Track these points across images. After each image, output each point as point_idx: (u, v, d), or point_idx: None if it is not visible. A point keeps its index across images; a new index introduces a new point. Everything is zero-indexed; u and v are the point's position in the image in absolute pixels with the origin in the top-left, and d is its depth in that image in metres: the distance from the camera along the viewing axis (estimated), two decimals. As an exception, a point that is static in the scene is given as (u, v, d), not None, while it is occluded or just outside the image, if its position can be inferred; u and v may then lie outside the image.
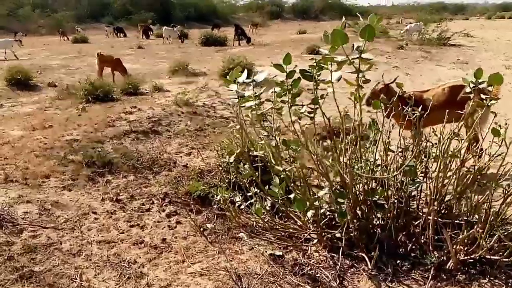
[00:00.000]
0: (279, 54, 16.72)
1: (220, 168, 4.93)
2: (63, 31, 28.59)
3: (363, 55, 2.89)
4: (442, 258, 2.92)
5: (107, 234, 3.64)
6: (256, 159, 3.63)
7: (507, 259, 2.74)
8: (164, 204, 4.28)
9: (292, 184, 3.35)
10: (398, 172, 3.05)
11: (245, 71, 3.38)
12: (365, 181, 3.11)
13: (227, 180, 4.50)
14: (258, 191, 3.36)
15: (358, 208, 3.18)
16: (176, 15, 43.01)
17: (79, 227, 3.71)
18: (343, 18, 3.04)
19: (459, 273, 2.87)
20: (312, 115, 3.21)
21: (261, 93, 3.35)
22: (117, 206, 4.20)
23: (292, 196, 3.26)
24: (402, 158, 3.23)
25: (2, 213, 3.67)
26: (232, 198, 3.56)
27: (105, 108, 7.36)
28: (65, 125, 6.26)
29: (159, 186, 4.71)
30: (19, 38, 20.52)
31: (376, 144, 3.23)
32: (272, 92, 3.51)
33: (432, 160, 3.17)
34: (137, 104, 7.56)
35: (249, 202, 3.45)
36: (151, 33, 29.06)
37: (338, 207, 3.15)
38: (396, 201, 3.07)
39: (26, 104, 8.33)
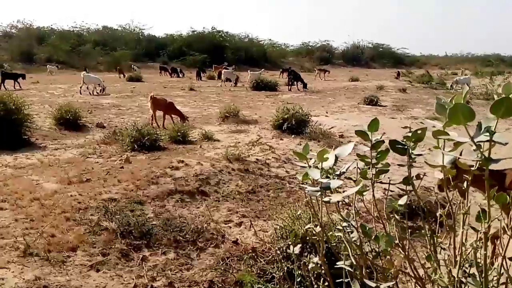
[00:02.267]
0: (333, 103, 15.93)
1: (278, 252, 4.01)
2: (120, 68, 29.48)
3: (495, 137, 1.92)
4: None
5: None
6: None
7: None
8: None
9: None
10: None
11: (333, 155, 2.45)
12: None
13: (285, 268, 3.57)
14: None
15: None
16: (228, 57, 43.76)
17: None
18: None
19: None
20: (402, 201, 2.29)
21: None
22: (151, 299, 3.35)
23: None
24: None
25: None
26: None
27: (150, 159, 6.71)
28: (105, 180, 5.61)
29: (203, 272, 3.84)
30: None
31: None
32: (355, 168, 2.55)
33: None
34: (184, 156, 6.86)
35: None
36: (203, 74, 29.35)
37: None
38: None
39: (70, 148, 7.87)
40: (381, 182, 3.02)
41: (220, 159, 6.86)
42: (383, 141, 2.22)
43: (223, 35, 50.27)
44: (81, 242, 4.06)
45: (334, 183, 2.19)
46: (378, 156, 2.45)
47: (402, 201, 2.35)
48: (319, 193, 2.18)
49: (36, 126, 8.71)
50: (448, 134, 2.06)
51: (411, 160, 2.28)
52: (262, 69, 30.10)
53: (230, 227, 4.94)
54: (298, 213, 4.35)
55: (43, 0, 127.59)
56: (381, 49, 62.88)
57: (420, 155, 2.27)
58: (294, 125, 9.23)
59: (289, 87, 20.98)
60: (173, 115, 10.65)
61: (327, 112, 13.14)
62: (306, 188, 2.09)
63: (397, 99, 16.94)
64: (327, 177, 2.35)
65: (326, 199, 2.08)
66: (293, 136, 9.02)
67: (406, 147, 2.31)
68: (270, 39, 58.09)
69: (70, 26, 47.33)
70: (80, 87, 17.12)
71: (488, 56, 70.27)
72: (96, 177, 5.71)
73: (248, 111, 13.26)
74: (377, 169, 2.45)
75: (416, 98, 18.05)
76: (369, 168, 2.51)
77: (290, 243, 4.01)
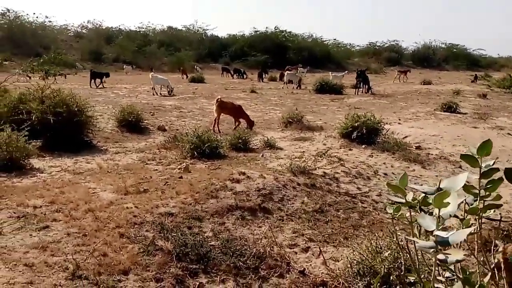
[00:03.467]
0: (406, 108, 14.80)
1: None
2: (184, 69, 29.92)
3: None
4: None
5: None
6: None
7: None
8: None
9: None
10: None
11: (455, 199, 1.76)
12: None
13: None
14: None
15: None
16: (291, 58, 43.11)
17: None
18: None
19: None
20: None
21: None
22: None
23: None
24: None
25: None
26: None
27: (209, 169, 6.31)
28: (162, 191, 5.27)
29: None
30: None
31: None
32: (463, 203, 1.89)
33: None
34: (246, 167, 6.39)
35: None
36: (265, 75, 29.01)
37: None
38: None
39: (130, 152, 7.71)
40: (488, 218, 2.36)
41: (284, 171, 6.31)
42: (497, 169, 1.59)
43: (286, 35, 49.61)
44: (134, 264, 3.70)
45: (457, 236, 1.54)
46: (489, 186, 1.76)
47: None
48: (434, 249, 1.55)
49: (98, 128, 8.68)
50: None
51: None
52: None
53: (296, 253, 4.37)
54: (380, 245, 3.71)
55: (113, 1, 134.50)
56: (454, 50, 58.86)
57: None
58: (364, 134, 8.46)
59: (356, 90, 19.91)
60: (239, 120, 10.29)
61: (399, 119, 12.13)
62: (416, 243, 1.48)
63: (477, 106, 15.42)
64: (443, 228, 1.70)
65: (441, 256, 1.46)
66: (363, 146, 8.26)
67: None
68: (335, 39, 56.47)
69: (136, 27, 48.91)
70: (152, 88, 17.40)
71: None
72: (154, 188, 5.39)
73: (311, 116, 12.60)
74: (485, 203, 1.81)
75: (499, 105, 16.36)
76: (476, 200, 1.86)
77: (369, 281, 3.37)
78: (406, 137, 9.67)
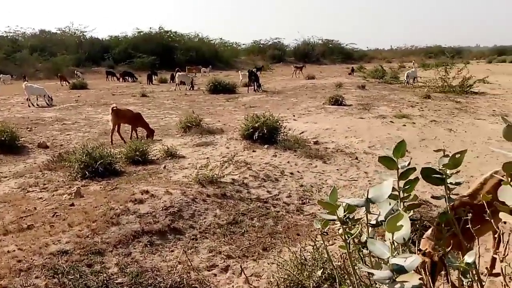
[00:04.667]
0: (297, 104, 15.27)
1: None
2: (62, 75, 27.37)
3: None
4: None
5: None
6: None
7: None
8: None
9: None
10: None
11: (408, 222, 1.55)
12: None
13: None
14: None
15: None
16: (179, 59, 42.22)
17: None
18: None
19: None
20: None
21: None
22: None
23: None
24: None
25: None
26: None
27: (106, 190, 5.61)
28: (51, 224, 4.49)
29: None
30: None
31: None
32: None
33: None
34: (148, 183, 5.83)
35: None
36: (155, 77, 27.90)
37: None
38: None
39: (6, 178, 6.58)
40: (410, 220, 2.24)
41: (191, 183, 5.88)
42: (414, 169, 1.55)
43: (171, 35, 48.54)
44: (22, 327, 3.00)
45: (413, 261, 1.37)
46: (407, 187, 1.67)
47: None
48: (390, 280, 1.35)
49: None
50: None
51: (449, 192, 1.59)
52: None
53: (215, 275, 4.01)
54: (304, 257, 3.53)
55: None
56: (330, 45, 63.60)
57: (460, 183, 1.60)
58: (265, 133, 8.38)
59: (248, 88, 20.22)
60: (135, 129, 9.53)
61: (294, 115, 12.41)
62: (374, 276, 1.26)
63: (359, 97, 16.55)
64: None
65: (398, 286, 1.29)
66: (266, 146, 8.18)
67: (443, 176, 1.58)
68: (221, 38, 56.93)
69: (3, 31, 43.78)
70: (27, 99, 15.43)
71: (430, 48, 73.11)
72: (40, 222, 4.57)
73: (210, 118, 12.29)
74: (406, 204, 1.72)
75: (377, 94, 17.81)
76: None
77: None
78: (302, 132, 9.89)
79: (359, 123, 11.29)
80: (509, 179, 1.27)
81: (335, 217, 1.56)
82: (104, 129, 10.82)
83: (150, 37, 46.03)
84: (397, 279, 1.24)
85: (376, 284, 1.74)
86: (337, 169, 7.29)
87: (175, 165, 7.02)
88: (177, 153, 7.75)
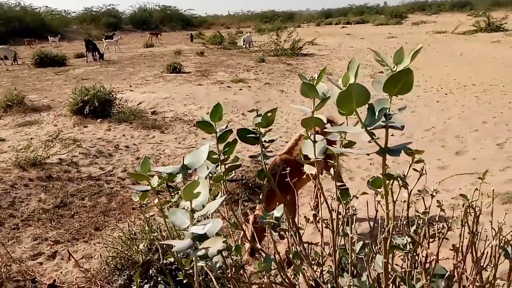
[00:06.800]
0: (135, 74, 14.77)
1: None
2: None
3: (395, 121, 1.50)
4: None
5: None
6: None
7: None
8: None
9: None
10: None
11: (206, 189, 1.59)
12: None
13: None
14: None
15: None
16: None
17: None
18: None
19: None
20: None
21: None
22: None
23: None
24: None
25: None
26: None
27: None
28: None
29: None
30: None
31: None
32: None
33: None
34: (-47, 174, 5.08)
35: None
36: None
37: None
38: None
39: None
40: (232, 180, 2.53)
41: (10, 168, 5.32)
42: (230, 131, 1.63)
43: (-17, 3, 41.20)
44: None
45: (213, 226, 1.32)
46: (227, 149, 1.83)
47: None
48: (192, 248, 1.31)
49: None
50: (322, 121, 1.48)
51: (264, 150, 1.77)
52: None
53: (41, 263, 3.80)
54: (133, 232, 3.57)
55: None
56: (168, 12, 61.95)
57: (273, 140, 1.74)
58: (98, 107, 7.96)
59: (87, 58, 18.83)
60: None
61: (131, 86, 11.98)
62: (174, 248, 1.20)
63: (198, 64, 16.75)
64: (198, 221, 1.51)
65: (201, 253, 1.26)
66: (99, 120, 7.80)
67: (257, 135, 1.76)
68: (46, 6, 50.54)
69: None
70: None
71: (265, 13, 76.93)
72: None
73: (35, 94, 11.07)
74: (227, 166, 1.85)
75: (216, 61, 18.26)
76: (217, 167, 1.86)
77: (129, 274, 3.24)
78: (140, 103, 9.68)
79: (198, 90, 11.51)
80: (309, 133, 1.38)
81: (148, 188, 1.54)
82: None
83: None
84: (200, 247, 1.22)
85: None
86: (175, 138, 7.39)
87: (-10, 151, 6.23)
88: (-6, 136, 6.87)
